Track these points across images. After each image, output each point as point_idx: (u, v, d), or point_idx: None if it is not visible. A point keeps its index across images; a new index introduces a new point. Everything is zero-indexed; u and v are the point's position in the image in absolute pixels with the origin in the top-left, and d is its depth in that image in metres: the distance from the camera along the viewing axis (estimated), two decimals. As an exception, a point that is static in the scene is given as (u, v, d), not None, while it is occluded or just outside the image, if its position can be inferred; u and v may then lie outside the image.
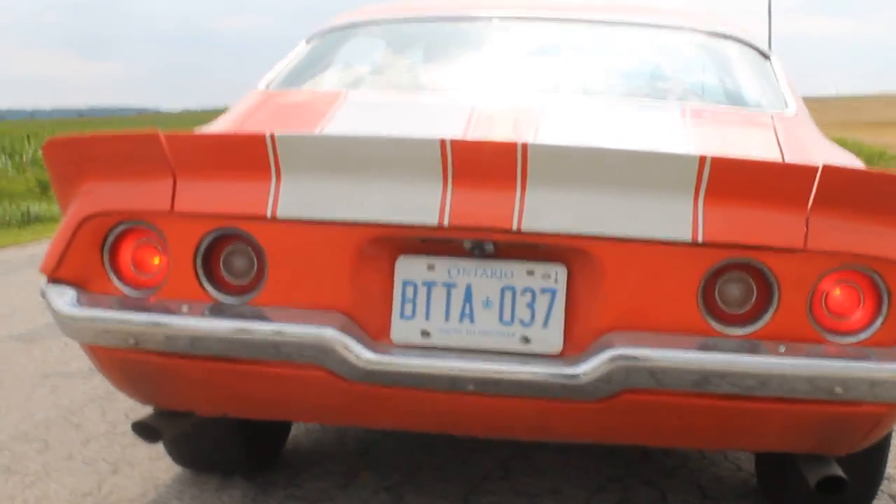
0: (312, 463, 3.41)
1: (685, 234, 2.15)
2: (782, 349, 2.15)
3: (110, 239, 2.36)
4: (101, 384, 4.31)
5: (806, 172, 2.14)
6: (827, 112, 59.94)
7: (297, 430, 3.69)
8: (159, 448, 3.48)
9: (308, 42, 3.64)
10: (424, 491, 3.18)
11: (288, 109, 3.15)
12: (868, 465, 2.79)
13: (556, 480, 3.29)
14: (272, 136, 2.21)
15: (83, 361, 4.66)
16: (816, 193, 2.12)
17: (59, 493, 3.14)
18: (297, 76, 3.37)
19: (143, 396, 2.60)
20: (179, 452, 3.19)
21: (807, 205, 2.13)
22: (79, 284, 2.37)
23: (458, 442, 3.61)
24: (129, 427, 3.69)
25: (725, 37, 3.56)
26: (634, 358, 2.13)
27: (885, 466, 2.89)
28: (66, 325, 2.36)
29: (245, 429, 3.10)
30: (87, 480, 3.24)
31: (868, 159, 20.21)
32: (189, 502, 3.07)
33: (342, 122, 2.77)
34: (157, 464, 3.38)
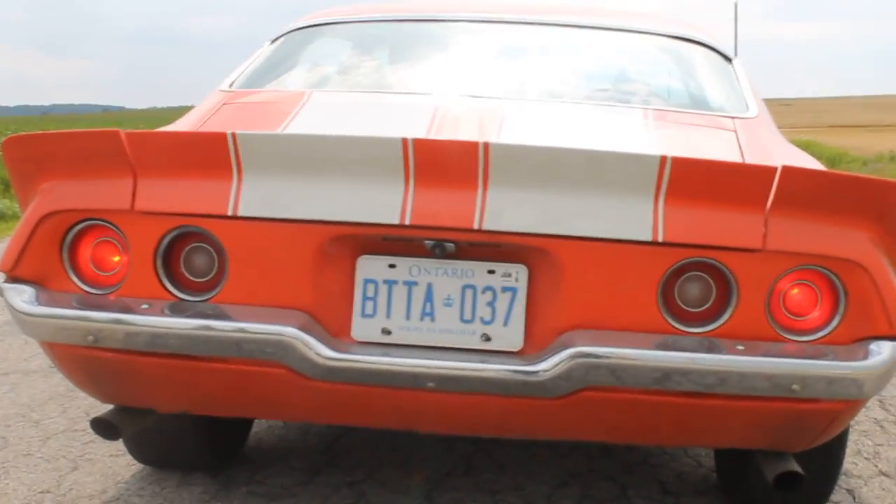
0: (274, 459, 3.40)
1: (645, 234, 2.18)
2: (741, 347, 2.17)
3: (69, 237, 2.36)
4: (61, 382, 4.27)
5: (765, 173, 2.17)
6: (790, 115, 60.47)
7: (258, 427, 3.68)
8: (119, 445, 3.46)
9: (272, 42, 3.64)
10: (387, 487, 3.18)
11: (251, 109, 3.14)
12: (826, 461, 2.83)
13: (518, 476, 3.30)
14: (234, 135, 2.22)
15: (43, 359, 4.63)
16: (775, 194, 2.15)
17: (18, 490, 3.12)
18: (261, 76, 3.37)
19: (102, 394, 2.58)
20: (139, 449, 3.16)
21: (765, 205, 2.17)
22: (38, 282, 2.36)
23: (421, 438, 3.61)
24: (88, 424, 3.68)
25: (689, 40, 3.59)
26: (594, 356, 2.14)
27: (842, 462, 2.93)
28: (24, 323, 2.34)
29: (206, 425, 3.08)
30: (47, 477, 3.22)
31: (829, 161, 20.40)
32: (150, 499, 3.06)
33: (305, 122, 2.79)
34: (117, 460, 3.36)
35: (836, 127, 49.32)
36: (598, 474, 3.34)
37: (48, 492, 3.10)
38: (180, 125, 2.95)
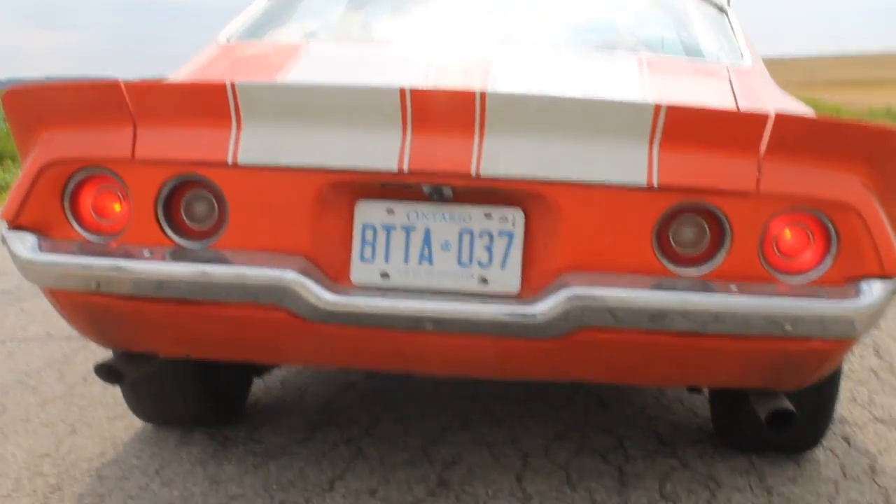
0: (272, 418, 3.41)
1: (640, 179, 2.20)
2: (734, 288, 2.20)
3: (71, 185, 2.38)
4: (57, 348, 4.29)
5: (758, 119, 2.18)
6: (783, 72, 60.33)
7: (255, 388, 3.69)
8: (118, 409, 3.48)
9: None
10: (384, 443, 3.19)
11: (248, 60, 3.15)
12: (818, 402, 2.87)
13: (515, 430, 3.32)
14: (233, 84, 2.24)
15: (39, 327, 4.64)
16: (769, 139, 2.16)
17: (17, 454, 3.12)
18: (257, 28, 3.38)
19: (105, 339, 2.61)
20: (140, 405, 3.20)
21: (759, 150, 2.18)
22: (40, 231, 2.38)
23: (418, 394, 3.63)
24: (86, 389, 3.71)
25: None
26: (590, 297, 2.17)
27: (835, 403, 2.97)
28: (27, 270, 2.37)
29: (206, 380, 3.13)
30: (45, 441, 3.23)
31: (824, 117, 20.35)
32: (148, 460, 3.07)
33: (303, 72, 2.80)
34: (115, 423, 3.37)
35: (831, 84, 49.24)
36: (594, 426, 3.35)
37: (47, 455, 3.11)
38: (179, 76, 2.94)
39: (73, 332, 4.41)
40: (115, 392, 3.66)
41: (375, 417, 3.42)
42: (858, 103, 24.11)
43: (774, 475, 2.98)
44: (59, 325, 4.65)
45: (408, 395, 3.64)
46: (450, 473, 2.98)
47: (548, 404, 3.55)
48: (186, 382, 3.10)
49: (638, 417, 3.45)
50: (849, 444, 3.24)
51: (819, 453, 3.12)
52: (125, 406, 3.45)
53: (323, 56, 3.03)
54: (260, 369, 3.39)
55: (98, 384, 3.78)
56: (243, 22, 3.43)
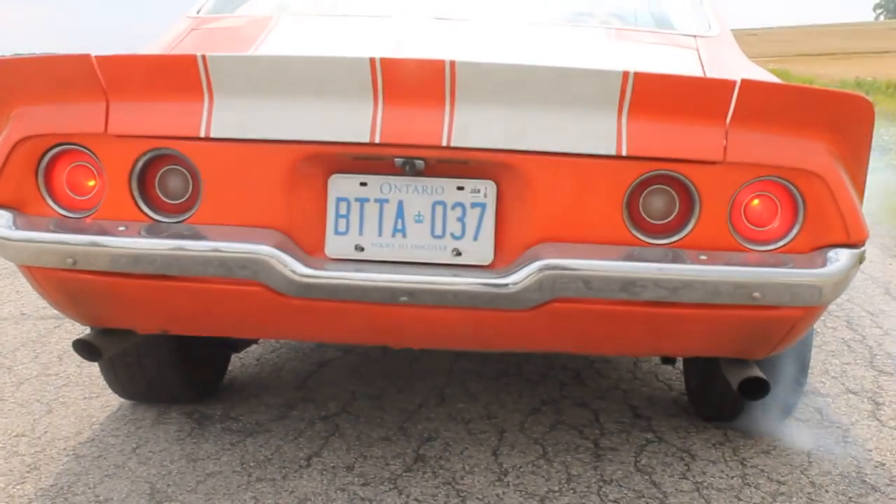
0: (248, 396, 3.41)
1: (610, 149, 2.21)
2: (704, 257, 2.23)
3: (44, 162, 2.36)
4: (32, 328, 4.27)
5: (724, 87, 2.20)
6: (757, 45, 60.27)
7: (232, 366, 3.69)
8: (94, 388, 3.48)
9: None
10: (361, 420, 3.20)
11: (219, 33, 3.13)
12: (789, 372, 2.91)
13: (491, 406, 3.33)
14: (203, 57, 2.22)
15: (13, 306, 4.62)
16: (735, 108, 2.19)
17: (-7, 434, 3.12)
18: (227, 2, 3.35)
19: (82, 316, 2.61)
20: (119, 382, 3.20)
21: (726, 119, 2.21)
22: (15, 207, 2.37)
23: (394, 371, 3.64)
24: (62, 368, 3.70)
25: None
26: (562, 268, 2.19)
27: (806, 374, 3.03)
28: (2, 247, 2.36)
29: (184, 356, 3.15)
30: (21, 421, 3.22)
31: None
32: (125, 439, 3.06)
33: (274, 45, 2.79)
34: (91, 402, 3.36)
35: (804, 56, 49.38)
36: (570, 401, 3.38)
37: (23, 435, 3.10)
38: (149, 49, 2.91)
39: (48, 312, 4.40)
40: (91, 371, 3.66)
41: (352, 394, 3.43)
42: (831, 75, 24.21)
43: (748, 447, 3.01)
44: (34, 304, 4.63)
45: (384, 371, 3.65)
46: (426, 449, 2.99)
47: (523, 379, 3.57)
48: (164, 359, 3.09)
49: (613, 391, 3.47)
50: (821, 415, 3.27)
51: (792, 425, 3.15)
52: (101, 385, 3.45)
53: (294, 28, 3.02)
54: (237, 345, 3.39)
55: (74, 363, 3.77)
56: None
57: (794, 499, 2.70)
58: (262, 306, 2.36)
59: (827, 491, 2.74)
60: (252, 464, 2.88)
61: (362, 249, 2.31)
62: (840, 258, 2.23)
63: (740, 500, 2.69)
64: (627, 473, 2.84)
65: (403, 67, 2.22)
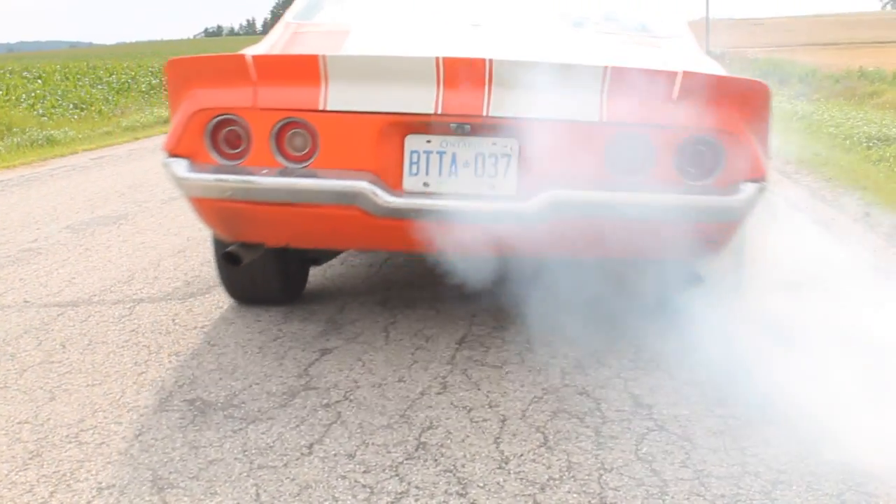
0: (251, 384, 3.43)
1: (594, 117, 3.28)
2: (660, 189, 3.26)
3: (210, 126, 3.40)
4: (35, 315, 4.28)
5: (672, 76, 3.27)
6: (762, 34, 60.13)
7: (235, 353, 3.71)
8: (97, 375, 3.50)
9: None
10: (363, 408, 3.21)
11: (313, 36, 4.20)
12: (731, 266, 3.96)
13: (492, 394, 3.34)
14: (324, 57, 3.29)
15: (17, 294, 4.63)
16: (679, 89, 3.24)
17: (-4, 421, 3.13)
18: (311, 10, 4.48)
19: (231, 233, 3.68)
20: (235, 286, 4.30)
21: (672, 96, 3.25)
22: (189, 157, 3.43)
23: (396, 360, 3.65)
24: (65, 356, 3.72)
25: None
26: (563, 196, 3.29)
27: (744, 268, 4.07)
28: (182, 184, 3.43)
29: (282, 267, 4.22)
30: (24, 408, 3.23)
31: (800, 79, 20.44)
32: (128, 426, 3.08)
33: (358, 46, 3.89)
34: (94, 390, 3.38)
35: (809, 45, 49.18)
36: (571, 389, 3.38)
37: (26, 422, 3.12)
38: (266, 47, 3.98)
39: (51, 300, 4.42)
40: (94, 359, 3.68)
41: (354, 382, 3.44)
42: (835, 65, 24.15)
43: (748, 436, 3.01)
44: (37, 292, 4.65)
45: (386, 359, 3.67)
46: (428, 437, 3.00)
47: (525, 368, 3.58)
48: (269, 268, 4.15)
49: (614, 380, 3.47)
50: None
51: (793, 414, 3.15)
52: (104, 372, 3.49)
53: (367, 33, 4.11)
54: (319, 260, 4.53)
55: (77, 351, 3.78)
56: (300, 6, 4.51)
57: (794, 487, 2.71)
58: (359, 224, 3.40)
59: (827, 479, 2.74)
60: (254, 451, 2.90)
61: (427, 185, 3.38)
62: (749, 189, 3.33)
63: (740, 488, 2.70)
64: (628, 462, 2.84)
65: (458, 63, 3.26)
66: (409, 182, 3.36)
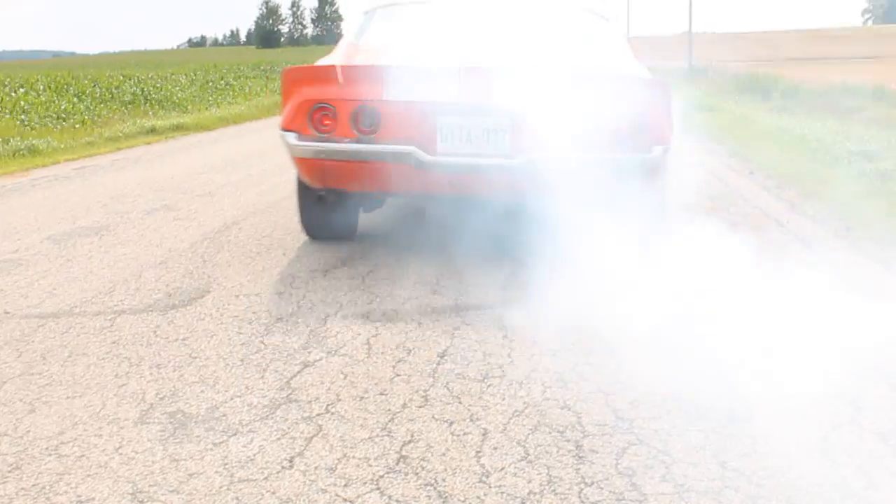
0: (232, 396, 3.42)
1: (564, 106, 4.90)
2: (617, 149, 5.02)
3: (312, 110, 5.20)
4: (16, 327, 4.26)
5: (603, 77, 5.18)
6: (746, 48, 60.28)
7: (217, 365, 3.71)
8: (77, 387, 3.49)
9: (365, 13, 6.66)
10: (344, 420, 3.21)
11: (372, 51, 5.89)
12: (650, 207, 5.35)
13: (473, 407, 3.34)
14: (384, 66, 5.09)
15: (-3, 304, 4.60)
16: (609, 91, 5.02)
17: (-25, 433, 3.11)
18: (363, 31, 6.37)
19: (321, 182, 5.47)
20: (311, 226, 6.08)
21: (608, 93, 5.05)
22: (296, 131, 5.24)
23: (378, 373, 3.65)
24: (45, 368, 3.70)
25: (584, 9, 6.66)
26: (540, 157, 4.94)
27: (664, 208, 5.75)
28: (292, 149, 5.27)
29: (347, 210, 5.99)
30: (3, 421, 3.22)
31: (782, 94, 20.52)
32: (107, 439, 3.07)
33: (404, 57, 5.37)
34: (74, 402, 3.37)
35: (791, 60, 49.40)
36: (552, 403, 3.39)
37: (5, 435, 3.11)
38: (338, 60, 5.65)
39: (32, 311, 4.40)
40: (75, 370, 3.67)
41: (335, 395, 3.44)
42: (818, 80, 24.26)
43: (728, 450, 3.02)
44: (17, 303, 4.63)
45: (368, 373, 3.67)
46: (409, 450, 3.00)
47: (506, 381, 3.59)
48: (337, 211, 5.90)
49: (595, 394, 3.48)
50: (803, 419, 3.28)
51: (773, 429, 3.17)
52: (84, 384, 3.49)
53: (402, 49, 5.69)
54: (371, 207, 6.53)
55: (57, 363, 3.77)
56: (355, 29, 6.47)
57: (774, 502, 2.72)
58: (410, 175, 5.13)
59: (807, 493, 2.75)
60: (234, 464, 2.89)
61: (453, 148, 5.08)
62: (658, 150, 5.08)
63: (720, 502, 2.71)
64: (608, 476, 2.85)
65: (473, 70, 5.03)
66: (441, 147, 5.11)
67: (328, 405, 3.35)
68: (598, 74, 5.22)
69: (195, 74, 27.31)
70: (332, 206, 5.86)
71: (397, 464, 2.91)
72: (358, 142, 5.10)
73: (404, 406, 3.35)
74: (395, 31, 6.40)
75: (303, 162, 5.33)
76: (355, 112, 5.08)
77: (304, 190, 5.80)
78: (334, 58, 5.86)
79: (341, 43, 6.40)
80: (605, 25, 6.60)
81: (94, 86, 20.42)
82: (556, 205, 4.85)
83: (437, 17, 6.43)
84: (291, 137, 5.24)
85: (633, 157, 4.99)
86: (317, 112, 5.16)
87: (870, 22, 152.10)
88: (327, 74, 5.23)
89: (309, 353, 3.90)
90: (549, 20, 6.55)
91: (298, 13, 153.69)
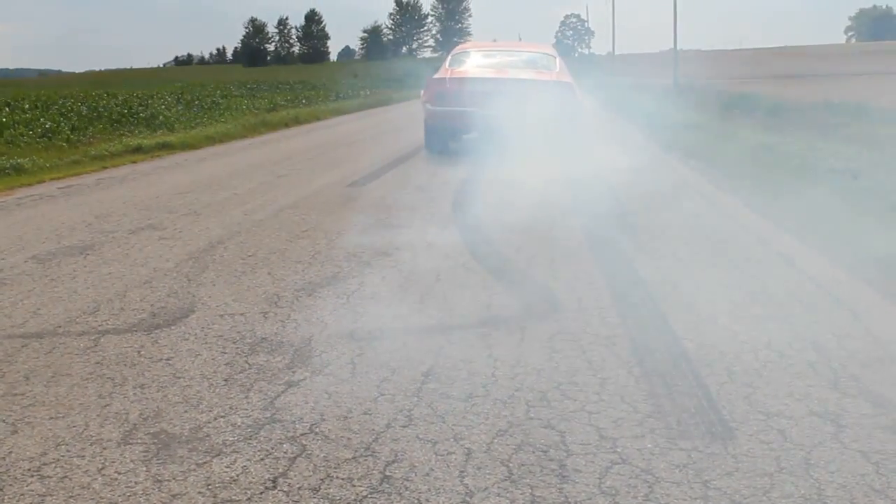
0: (216, 416, 3.42)
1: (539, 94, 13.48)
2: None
3: (436, 94, 13.88)
4: (-1, 346, 4.26)
5: (552, 75, 13.98)
6: (730, 66, 60.66)
7: (200, 385, 3.71)
8: (60, 408, 3.49)
9: (451, 53, 15.60)
10: (328, 441, 3.21)
11: (458, 74, 14.05)
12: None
13: (457, 427, 3.35)
14: (460, 77, 13.96)
15: (-19, 324, 4.59)
16: (555, 71, 14.32)
17: (-43, 455, 3.10)
18: (452, 63, 14.80)
19: (442, 126, 14.01)
20: (431, 143, 14.42)
21: (555, 73, 14.27)
22: (430, 104, 13.95)
23: (362, 393, 3.65)
24: (28, 388, 3.69)
25: (545, 52, 15.41)
26: (515, 113, 13.28)
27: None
28: (428, 112, 14.06)
29: (449, 133, 14.46)
30: (-14, 442, 3.21)
31: (766, 110, 20.63)
32: (90, 460, 3.06)
33: (466, 75, 14.07)
34: (57, 423, 3.36)
35: (777, 77, 49.69)
36: (536, 422, 3.39)
37: (-12, 456, 3.10)
38: (445, 75, 14.12)
39: (15, 331, 4.40)
40: (58, 391, 3.67)
41: (320, 415, 3.44)
42: (801, 98, 24.42)
43: (711, 469, 3.03)
44: (0, 323, 4.62)
45: (352, 392, 3.67)
46: (393, 470, 3.01)
47: (490, 400, 3.59)
48: (443, 136, 14.40)
49: (579, 413, 3.49)
50: (784, 437, 3.30)
51: (755, 447, 3.18)
52: (68, 405, 3.49)
53: (472, 71, 14.37)
54: (458, 137, 14.89)
55: (40, 383, 3.76)
56: (448, 62, 14.86)
57: None
58: (469, 119, 13.36)
59: (788, 512, 2.76)
60: (218, 485, 2.89)
61: (480, 108, 13.40)
62: (569, 110, 13.17)
63: (703, 521, 2.71)
64: (591, 495, 2.86)
65: (492, 79, 13.67)
66: (479, 110, 12.88)
67: (312, 425, 3.35)
68: (544, 80, 13.25)
69: (181, 93, 27.31)
70: (440, 134, 14.06)
71: (381, 484, 2.91)
72: (453, 106, 13.19)
73: (388, 426, 3.35)
74: (463, 62, 14.63)
75: (433, 117, 13.71)
76: (452, 94, 13.19)
77: (429, 128, 14.16)
78: (440, 73, 14.13)
79: (441, 67, 14.72)
80: (555, 59, 14.74)
81: (80, 104, 20.38)
82: (512, 136, 12.03)
83: (479, 58, 14.90)
84: (429, 105, 13.67)
85: (559, 110, 12.53)
86: (439, 95, 13.43)
87: (853, 39, 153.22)
88: (443, 81, 13.57)
89: (293, 372, 3.90)
90: (527, 58, 14.83)
91: (285, 31, 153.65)
